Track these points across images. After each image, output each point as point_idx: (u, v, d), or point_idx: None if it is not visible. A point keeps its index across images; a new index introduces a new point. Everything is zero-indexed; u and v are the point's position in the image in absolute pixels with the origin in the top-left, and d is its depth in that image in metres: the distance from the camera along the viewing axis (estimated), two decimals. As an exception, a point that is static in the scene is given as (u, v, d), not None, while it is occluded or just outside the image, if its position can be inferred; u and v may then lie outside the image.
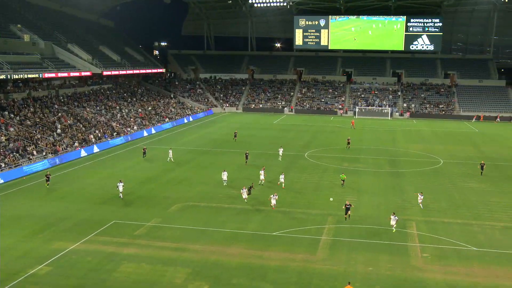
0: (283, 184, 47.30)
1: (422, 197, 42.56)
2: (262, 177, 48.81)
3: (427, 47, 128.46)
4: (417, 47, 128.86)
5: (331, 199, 36.24)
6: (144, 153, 63.30)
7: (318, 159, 63.28)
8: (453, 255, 33.30)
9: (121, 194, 44.33)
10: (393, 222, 37.23)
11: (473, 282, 29.08)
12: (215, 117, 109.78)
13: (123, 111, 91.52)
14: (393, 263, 31.50)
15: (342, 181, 47.85)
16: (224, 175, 48.60)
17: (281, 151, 62.15)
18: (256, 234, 36.31)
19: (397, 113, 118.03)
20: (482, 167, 56.09)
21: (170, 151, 61.79)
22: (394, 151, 70.25)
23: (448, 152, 69.74)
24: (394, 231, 36.38)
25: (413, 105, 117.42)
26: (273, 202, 38.59)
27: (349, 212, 35.93)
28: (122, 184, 45.15)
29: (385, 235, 36.71)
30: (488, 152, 70.37)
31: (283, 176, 47.88)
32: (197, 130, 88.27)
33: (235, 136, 76.63)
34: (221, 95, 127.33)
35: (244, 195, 41.00)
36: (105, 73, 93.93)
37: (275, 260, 31.64)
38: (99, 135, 73.02)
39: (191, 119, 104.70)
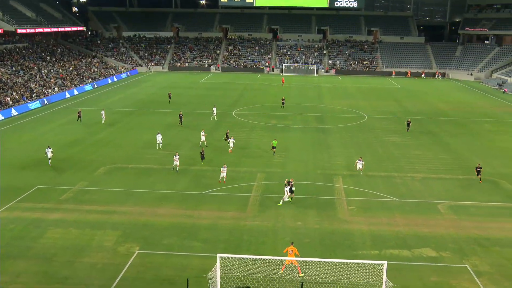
0: (231, 147, 46.01)
1: (362, 163, 40.33)
2: (203, 138, 48.47)
3: (351, 4, 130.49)
4: (341, 4, 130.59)
5: (280, 203, 33.89)
6: (79, 117, 59.74)
7: (246, 117, 63.36)
8: (377, 207, 34.84)
9: (49, 161, 41.64)
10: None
11: (395, 231, 30.66)
12: (140, 77, 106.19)
13: (42, 71, 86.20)
14: (320, 217, 32.54)
15: (272, 148, 44.86)
16: (159, 137, 47.60)
17: (214, 110, 61.96)
18: (186, 194, 36.24)
19: (323, 70, 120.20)
20: (408, 124, 57.26)
21: (103, 112, 60.06)
22: (321, 108, 71.67)
23: (372, 108, 72.00)
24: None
25: (338, 62, 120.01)
26: (223, 175, 36.85)
27: (292, 194, 34.28)
28: (51, 150, 42.40)
29: (313, 190, 37.78)
30: (409, 107, 73.27)
31: (232, 140, 46.43)
32: (122, 91, 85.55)
33: (169, 97, 74.11)
34: (146, 54, 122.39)
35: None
36: (19, 30, 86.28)
37: (206, 219, 31.83)
38: (17, 97, 68.92)
39: (115, 79, 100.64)
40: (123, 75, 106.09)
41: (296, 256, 24.27)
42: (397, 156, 47.23)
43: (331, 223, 31.69)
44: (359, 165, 40.64)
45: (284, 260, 24.36)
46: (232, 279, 23.31)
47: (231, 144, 46.07)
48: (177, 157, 39.86)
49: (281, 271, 24.35)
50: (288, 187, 33.31)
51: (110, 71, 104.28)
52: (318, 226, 31.20)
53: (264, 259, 24.64)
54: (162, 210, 33.14)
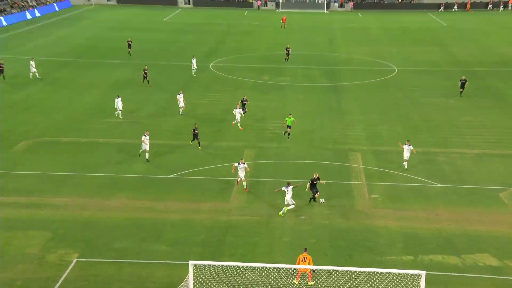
0: (239, 124, 45.39)
1: (410, 150, 37.99)
2: (181, 104, 48.93)
3: None
4: None
5: (322, 200, 33.41)
6: (1, 71, 58.32)
7: (229, 71, 63.40)
8: (411, 195, 35.04)
9: None
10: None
11: (437, 230, 30.81)
12: (75, 12, 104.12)
13: None
14: (331, 209, 32.77)
15: (288, 129, 43.40)
16: (119, 103, 47.24)
17: (194, 62, 61.36)
18: (146, 179, 36.58)
19: (336, 4, 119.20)
20: (462, 85, 55.14)
21: (32, 63, 58.96)
22: (332, 58, 71.57)
23: (405, 57, 71.85)
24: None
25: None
26: (241, 175, 34.63)
27: (317, 195, 33.24)
28: None
29: (321, 173, 37.88)
30: (460, 55, 72.79)
31: (239, 111, 45.38)
32: (49, 31, 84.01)
33: (129, 47, 70.97)
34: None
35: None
36: None
37: (174, 212, 32.10)
38: None
39: (37, 14, 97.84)
40: (49, 8, 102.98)
41: (309, 264, 24.62)
42: (440, 124, 47.48)
43: (346, 218, 31.98)
44: (406, 154, 37.90)
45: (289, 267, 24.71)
46: (210, 295, 23.54)
47: (238, 117, 45.10)
48: (147, 137, 39.23)
49: (297, 281, 24.87)
50: (289, 187, 32.29)
51: (30, 1, 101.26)
52: (328, 221, 31.51)
53: (255, 267, 24.80)
54: (112, 202, 33.30)
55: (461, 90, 55.57)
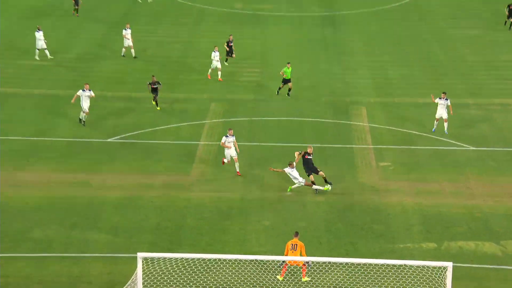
0: (219, 73, 45.29)
1: (447, 105, 37.69)
2: (128, 42, 48.91)
3: None
4: None
5: (329, 186, 32.42)
6: None
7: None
8: (432, 162, 35.15)
9: None
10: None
11: (466, 207, 30.95)
12: None
13: None
14: (328, 180, 32.71)
15: (284, 84, 43.79)
16: (40, 39, 46.63)
17: None
18: (75, 144, 36.65)
19: None
20: (510, 11, 54.66)
21: None
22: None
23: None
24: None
25: None
26: (232, 153, 33.65)
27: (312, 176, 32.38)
28: None
29: (314, 133, 37.59)
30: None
31: (218, 57, 44.94)
32: None
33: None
34: None
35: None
36: None
37: (115, 188, 32.08)
38: None
39: None
40: None
41: (301, 255, 24.56)
42: (474, 64, 47.64)
43: (347, 193, 32.01)
44: (441, 111, 37.66)
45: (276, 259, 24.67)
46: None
47: (216, 65, 45.08)
48: (88, 92, 38.59)
49: (281, 277, 24.79)
50: (291, 167, 31.57)
51: None
52: (324, 198, 31.50)
53: (224, 260, 24.71)
54: (28, 175, 33.28)
55: (508, 19, 55.02)
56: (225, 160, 33.45)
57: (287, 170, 31.26)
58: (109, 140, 37.01)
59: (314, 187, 31.57)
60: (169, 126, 38.68)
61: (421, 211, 30.64)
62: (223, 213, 30.26)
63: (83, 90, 38.19)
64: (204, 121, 39.33)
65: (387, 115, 40.41)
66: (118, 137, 37.29)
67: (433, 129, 37.83)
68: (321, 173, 31.89)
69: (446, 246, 27.99)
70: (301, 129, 38.46)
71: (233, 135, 33.28)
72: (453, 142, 37.21)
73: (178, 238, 28.32)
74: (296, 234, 25.48)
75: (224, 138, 33.21)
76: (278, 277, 24.99)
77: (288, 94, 43.08)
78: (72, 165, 34.41)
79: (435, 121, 37.78)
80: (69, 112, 39.63)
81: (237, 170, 33.34)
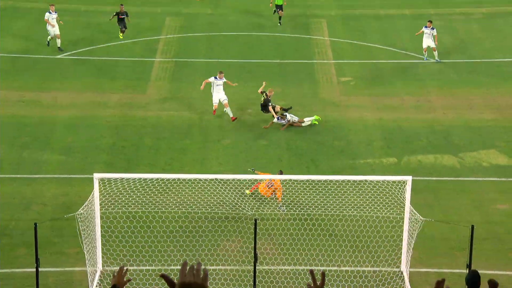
0: None
1: (431, 39, 36.21)
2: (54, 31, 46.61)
3: None
4: None
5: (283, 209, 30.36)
6: None
7: None
8: (393, 76, 35.41)
9: None
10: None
11: (427, 120, 31.39)
12: None
13: None
14: (287, 97, 32.87)
15: (277, 12, 41.25)
16: None
17: None
18: (22, 59, 36.12)
19: None
20: None
21: None
22: None
23: None
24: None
25: None
26: (220, 97, 31.13)
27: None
28: None
29: (271, 46, 37.29)
30: None
31: None
32: None
33: None
34: None
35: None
36: None
37: (68, 107, 31.73)
38: None
39: None
40: None
41: (275, 194, 24.69)
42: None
43: (307, 110, 32.05)
44: (427, 41, 36.10)
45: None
46: (124, 218, 23.31)
47: None
48: (54, 15, 37.52)
49: (249, 192, 25.08)
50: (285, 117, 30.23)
51: None
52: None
53: (183, 179, 24.69)
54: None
55: None
56: (214, 106, 30.77)
57: (276, 121, 30.52)
58: (59, 56, 36.44)
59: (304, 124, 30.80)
60: (123, 41, 38.08)
61: (382, 126, 30.92)
62: (181, 132, 30.23)
63: (50, 12, 36.94)
64: (159, 37, 38.80)
65: (348, 28, 40.21)
66: (69, 53, 36.73)
67: (424, 58, 36.64)
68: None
69: (406, 160, 28.40)
70: (260, 45, 38.12)
71: (223, 77, 30.90)
72: (415, 55, 37.33)
73: (136, 158, 28.34)
74: (280, 172, 25.44)
75: (212, 79, 30.83)
76: (246, 191, 25.09)
77: (279, 23, 41.20)
78: (19, 82, 34.05)
79: (424, 51, 36.51)
80: (13, 24, 38.75)
81: (231, 115, 30.66)
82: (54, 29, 36.93)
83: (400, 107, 32.53)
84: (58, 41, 36.97)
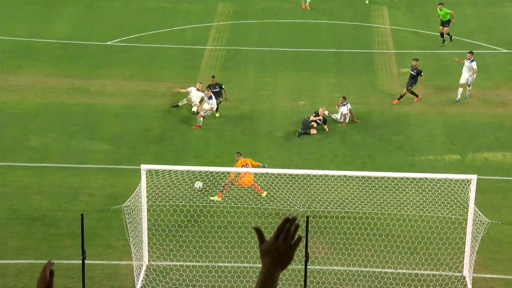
0: None
1: (469, 73, 32.22)
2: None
3: None
4: None
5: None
6: None
7: None
8: (458, 67, 34.28)
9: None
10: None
11: (495, 116, 31.23)
12: None
13: None
14: (341, 87, 32.70)
15: None
16: None
17: None
18: (71, 45, 36.47)
19: None
20: None
21: None
22: None
23: None
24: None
25: None
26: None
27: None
28: None
29: (331, 36, 37.23)
30: None
31: None
32: None
33: None
34: None
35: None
36: None
37: (116, 95, 32.15)
38: None
39: None
40: None
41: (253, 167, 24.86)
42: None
43: (365, 102, 32.14)
44: (466, 75, 32.18)
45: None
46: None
47: None
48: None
49: (219, 198, 24.94)
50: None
51: None
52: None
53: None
54: (17, 78, 33.26)
55: None
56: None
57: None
58: (108, 43, 36.82)
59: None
60: (173, 28, 38.32)
61: (445, 121, 30.79)
62: (231, 124, 30.55)
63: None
64: (210, 24, 39.02)
65: (411, 16, 39.95)
66: (118, 39, 37.09)
67: (467, 93, 32.83)
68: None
69: (471, 158, 28.22)
70: (316, 33, 38.12)
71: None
72: (484, 44, 36.97)
73: (184, 149, 28.70)
74: (239, 154, 25.41)
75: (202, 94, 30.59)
76: (214, 198, 24.96)
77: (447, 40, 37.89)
78: (69, 69, 34.49)
79: (460, 88, 32.41)
80: (63, 10, 39.31)
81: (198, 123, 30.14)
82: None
83: (465, 101, 32.26)
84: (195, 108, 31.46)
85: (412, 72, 31.37)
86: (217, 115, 30.68)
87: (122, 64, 35.30)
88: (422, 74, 31.12)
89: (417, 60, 31.58)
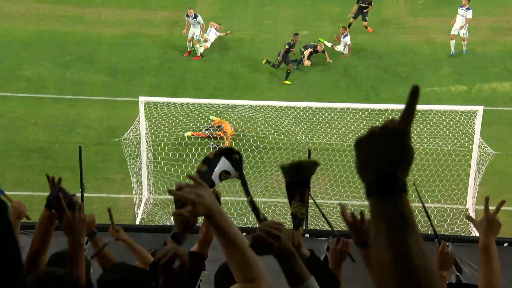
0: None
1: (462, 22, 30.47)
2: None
3: None
4: None
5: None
6: None
7: None
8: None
9: None
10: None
11: (502, 44, 31.23)
12: None
13: None
14: (344, 17, 32.79)
15: None
16: None
17: None
18: None
19: None
20: None
21: None
22: None
23: None
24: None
25: None
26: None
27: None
28: None
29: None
30: None
31: None
32: None
33: None
34: None
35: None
36: None
37: (113, 25, 32.29)
38: None
39: None
40: None
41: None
42: None
43: (367, 32, 32.26)
44: (458, 24, 30.64)
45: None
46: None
47: None
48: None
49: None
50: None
51: None
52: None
53: (235, 104, 24.96)
54: (7, 4, 33.18)
55: None
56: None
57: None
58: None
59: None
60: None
61: (451, 49, 30.88)
62: (231, 55, 30.76)
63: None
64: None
65: None
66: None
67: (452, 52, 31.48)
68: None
69: (477, 88, 28.41)
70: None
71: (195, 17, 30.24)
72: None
73: (183, 81, 28.97)
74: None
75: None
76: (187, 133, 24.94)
77: None
78: (61, -4, 34.47)
79: (452, 39, 31.06)
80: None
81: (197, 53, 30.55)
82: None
83: (474, 28, 32.04)
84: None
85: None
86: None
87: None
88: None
89: None
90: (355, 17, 31.81)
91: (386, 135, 2.82)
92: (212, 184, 5.30)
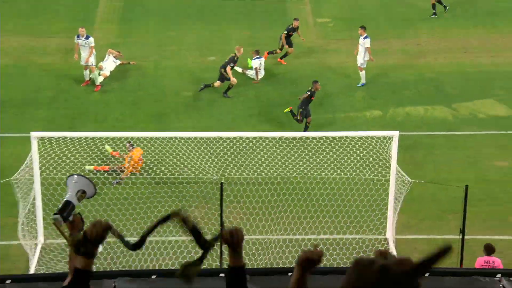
0: None
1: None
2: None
3: None
4: None
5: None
6: None
7: None
8: (377, 16, 35.33)
9: None
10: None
11: (416, 68, 31.58)
12: None
13: None
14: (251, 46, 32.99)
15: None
16: None
17: None
18: None
19: None
20: None
21: None
22: None
23: None
24: None
25: None
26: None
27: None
28: None
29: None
30: None
31: None
32: None
33: None
34: None
35: None
36: None
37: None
38: None
39: None
40: None
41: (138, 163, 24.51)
42: None
43: (278, 56, 32.09)
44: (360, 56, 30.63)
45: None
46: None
47: None
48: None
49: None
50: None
51: None
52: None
53: (143, 137, 24.62)
54: None
55: None
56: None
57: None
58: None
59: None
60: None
61: (364, 74, 30.83)
62: (134, 84, 30.52)
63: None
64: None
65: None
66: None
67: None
68: None
69: (392, 113, 28.61)
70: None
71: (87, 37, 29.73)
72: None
73: (81, 113, 28.44)
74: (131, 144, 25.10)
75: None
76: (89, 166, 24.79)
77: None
78: None
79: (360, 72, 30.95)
80: None
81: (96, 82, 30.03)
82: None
83: (385, 52, 32.52)
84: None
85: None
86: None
87: (4, 17, 34.25)
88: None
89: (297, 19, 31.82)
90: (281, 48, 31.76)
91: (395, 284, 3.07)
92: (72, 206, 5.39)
